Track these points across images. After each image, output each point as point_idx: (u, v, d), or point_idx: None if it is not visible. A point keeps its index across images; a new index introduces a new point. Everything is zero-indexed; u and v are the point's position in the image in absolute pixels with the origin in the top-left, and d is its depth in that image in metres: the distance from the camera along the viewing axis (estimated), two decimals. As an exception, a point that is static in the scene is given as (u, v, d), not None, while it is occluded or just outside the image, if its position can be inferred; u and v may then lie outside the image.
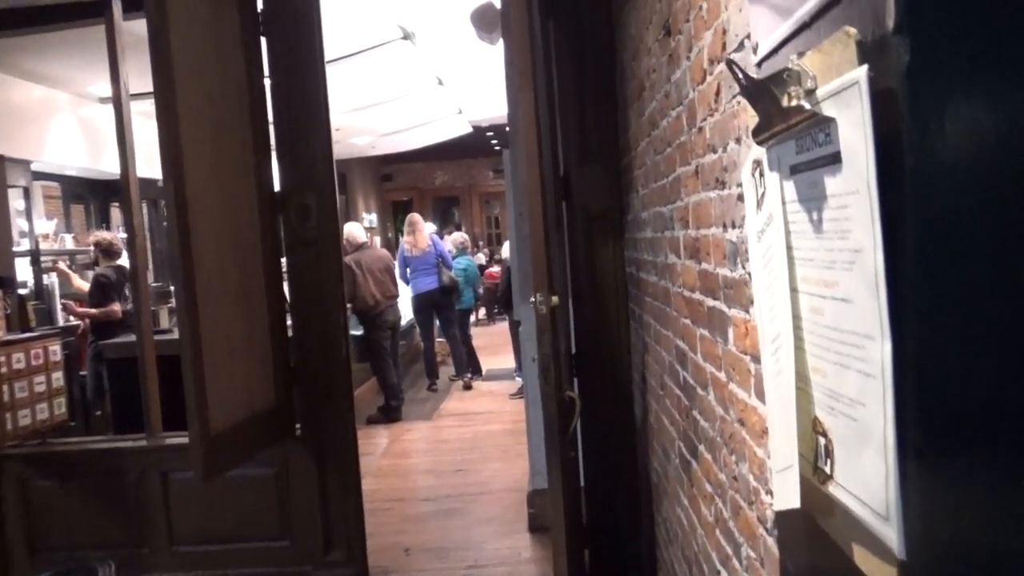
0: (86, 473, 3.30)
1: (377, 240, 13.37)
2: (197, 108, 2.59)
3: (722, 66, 1.39)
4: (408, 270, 7.31)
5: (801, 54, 0.73)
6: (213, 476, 2.54)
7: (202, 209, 2.56)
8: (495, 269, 9.35)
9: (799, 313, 0.81)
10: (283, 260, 3.18)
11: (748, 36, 1.18)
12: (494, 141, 13.86)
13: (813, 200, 0.74)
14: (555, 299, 2.54)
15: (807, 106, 0.69)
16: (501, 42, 4.01)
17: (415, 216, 7.67)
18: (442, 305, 7.37)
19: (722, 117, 1.43)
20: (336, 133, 3.30)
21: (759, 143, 0.84)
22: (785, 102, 0.72)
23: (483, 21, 4.41)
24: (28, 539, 3.32)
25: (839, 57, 0.66)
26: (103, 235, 5.77)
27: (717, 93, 1.44)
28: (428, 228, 8.16)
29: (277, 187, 3.15)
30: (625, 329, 3.02)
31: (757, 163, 0.88)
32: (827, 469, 0.77)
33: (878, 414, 0.65)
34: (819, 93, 0.70)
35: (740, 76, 0.84)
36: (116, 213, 8.07)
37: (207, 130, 2.66)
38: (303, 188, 3.17)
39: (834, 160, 0.68)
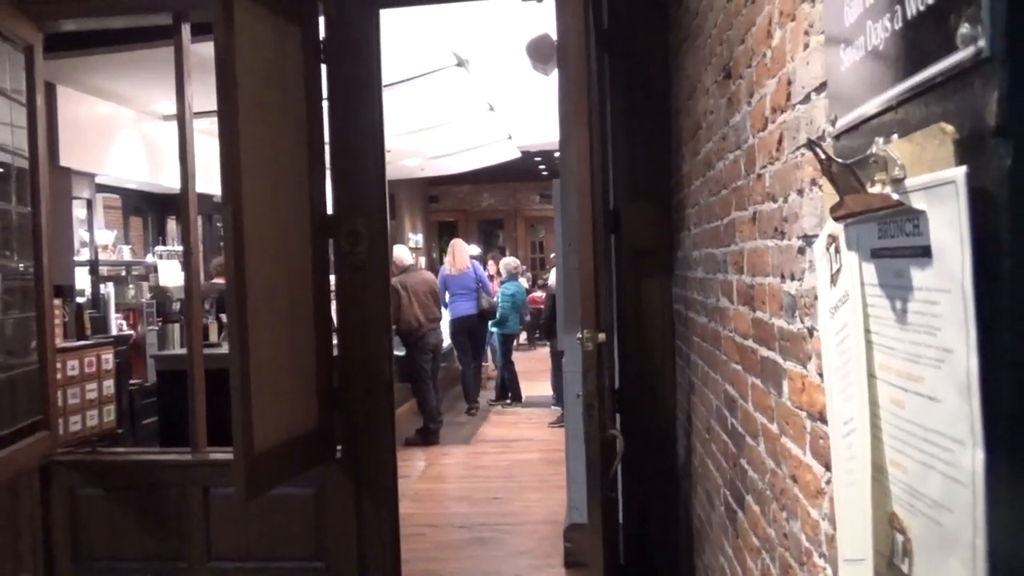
0: (131, 484, 3.35)
1: (422, 261, 13.55)
2: (257, 131, 2.65)
3: (785, 116, 1.37)
4: (447, 293, 7.41)
5: (887, 139, 0.72)
6: (254, 496, 2.57)
7: (256, 231, 2.62)
8: (539, 295, 9.32)
9: (876, 400, 0.78)
10: (332, 282, 3.23)
11: (817, 90, 1.17)
12: (542, 166, 13.96)
13: (897, 289, 0.73)
14: (601, 336, 2.51)
15: (895, 196, 0.68)
16: (555, 72, 4.05)
17: (457, 241, 7.84)
18: (476, 331, 7.48)
19: (783, 167, 1.41)
20: (387, 155, 3.31)
21: (837, 220, 0.83)
22: (870, 187, 0.71)
23: (538, 52, 4.45)
24: (73, 546, 3.39)
25: (933, 152, 0.65)
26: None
27: (779, 142, 1.43)
28: (471, 251, 8.31)
29: (330, 209, 3.21)
30: (671, 367, 3.00)
31: (833, 238, 0.87)
32: (904, 568, 0.75)
33: (966, 524, 0.63)
34: (908, 183, 0.68)
35: (823, 157, 0.83)
36: (172, 226, 8.31)
37: (265, 153, 2.73)
38: (355, 213, 3.22)
39: (923, 253, 0.67)
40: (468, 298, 7.34)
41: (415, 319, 6.40)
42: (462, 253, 7.55)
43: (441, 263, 9.29)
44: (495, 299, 7.64)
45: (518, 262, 8.68)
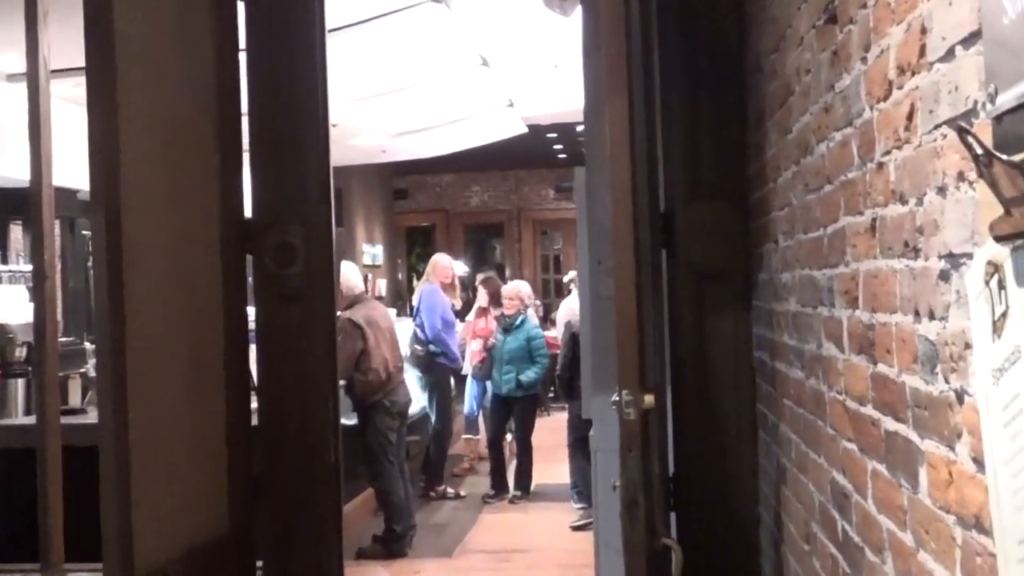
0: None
1: (381, 285, 13.58)
2: (144, 98, 2.66)
3: (918, 80, 1.38)
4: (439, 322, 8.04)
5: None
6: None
7: (142, 243, 2.61)
8: (553, 334, 9.26)
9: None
10: (252, 318, 3.24)
11: (964, 43, 1.17)
12: (558, 147, 14.05)
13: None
14: (648, 399, 2.54)
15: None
16: (578, 12, 4.09)
17: (441, 257, 8.33)
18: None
19: (916, 153, 1.41)
20: (332, 131, 3.35)
21: (1000, 240, 0.82)
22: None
23: (554, -19, 4.50)
24: None
25: None
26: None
27: (909, 117, 1.44)
28: (457, 269, 8.51)
29: (249, 213, 3.23)
30: (750, 445, 3.02)
31: (994, 267, 0.86)
32: None
33: None
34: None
35: (978, 150, 0.82)
36: (17, 234, 8.31)
37: (156, 130, 2.74)
38: (286, 217, 3.24)
39: None
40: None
41: (383, 369, 6.46)
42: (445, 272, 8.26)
43: (411, 288, 9.52)
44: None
45: (529, 291, 8.67)
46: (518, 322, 8.05)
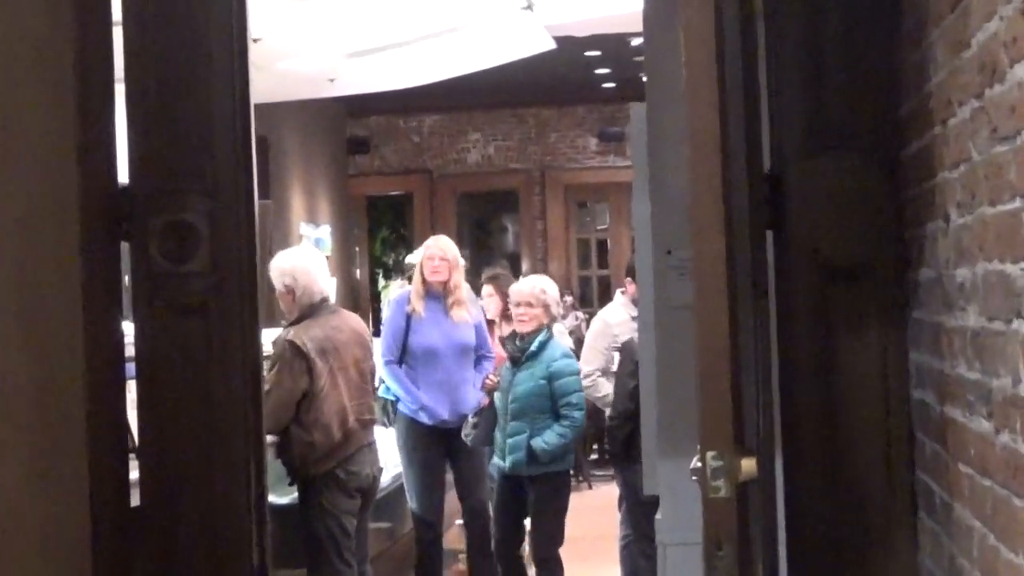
0: None
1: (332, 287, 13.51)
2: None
3: None
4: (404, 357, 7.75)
5: None
6: None
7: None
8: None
9: None
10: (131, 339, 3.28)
11: None
12: (602, 71, 13.95)
13: None
14: (748, 465, 2.60)
15: None
16: None
17: (440, 240, 8.01)
18: (459, 446, 7.70)
19: None
20: (254, 49, 3.40)
21: None
22: None
23: None
24: None
25: None
26: None
27: None
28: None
29: (125, 178, 3.25)
30: (906, 535, 3.00)
31: None
32: None
33: None
34: None
35: None
36: None
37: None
38: (180, 183, 3.25)
39: None
40: (448, 370, 7.63)
41: (338, 422, 6.38)
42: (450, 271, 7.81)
43: (377, 292, 9.35)
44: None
45: (554, 291, 8.12)
46: (534, 346, 7.38)
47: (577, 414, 7.28)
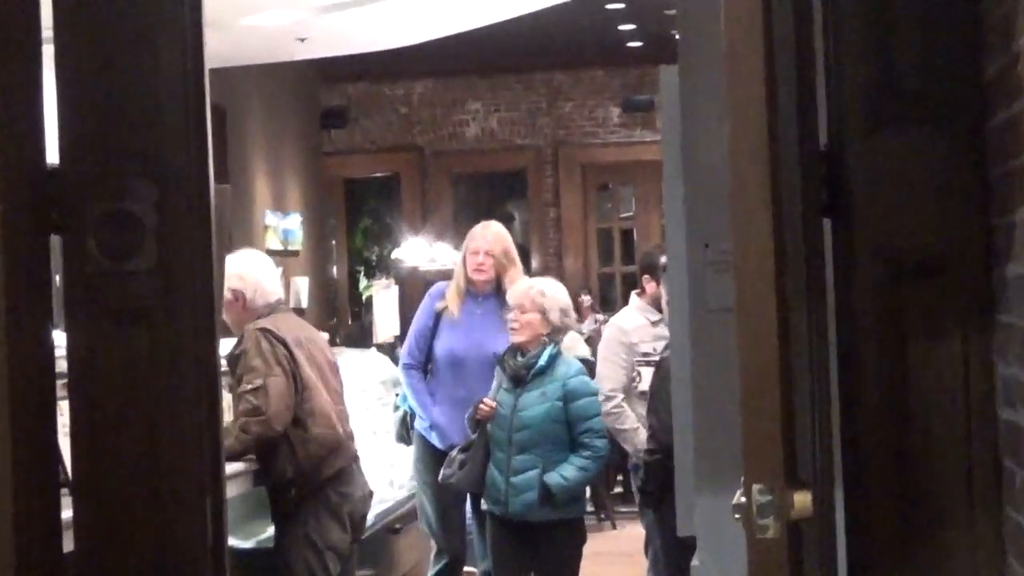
0: None
1: (300, 287, 13.38)
2: None
3: None
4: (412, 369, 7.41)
5: None
6: None
7: None
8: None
9: None
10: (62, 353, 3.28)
11: None
12: (627, 28, 13.78)
13: None
14: (801, 500, 2.56)
15: None
16: None
17: (489, 231, 7.36)
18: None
19: None
20: (211, 1, 3.43)
21: None
22: None
23: None
24: None
25: None
26: None
27: None
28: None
29: (54, 157, 3.24)
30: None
31: None
32: None
33: None
34: None
35: None
36: None
37: None
38: (121, 163, 3.22)
39: None
40: (466, 385, 7.10)
41: (328, 438, 6.11)
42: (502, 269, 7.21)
43: (359, 292, 9.16)
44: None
45: (563, 296, 7.61)
46: (543, 360, 6.71)
47: (599, 442, 6.53)
